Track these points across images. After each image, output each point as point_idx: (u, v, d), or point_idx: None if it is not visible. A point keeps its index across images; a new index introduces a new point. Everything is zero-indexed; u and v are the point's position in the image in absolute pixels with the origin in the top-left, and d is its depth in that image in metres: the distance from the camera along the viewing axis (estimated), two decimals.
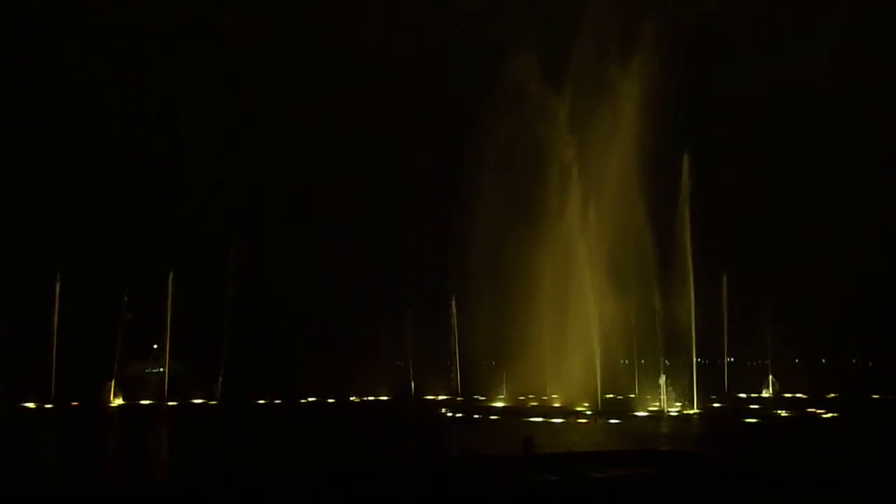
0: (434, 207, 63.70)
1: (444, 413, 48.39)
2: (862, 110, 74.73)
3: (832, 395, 59.45)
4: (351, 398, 59.79)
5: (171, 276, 56.17)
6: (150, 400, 54.82)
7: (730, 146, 69.30)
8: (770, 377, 62.36)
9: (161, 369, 58.57)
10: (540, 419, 43.05)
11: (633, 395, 54.07)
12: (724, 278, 61.56)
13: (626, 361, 57.61)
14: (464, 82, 68.55)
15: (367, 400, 60.10)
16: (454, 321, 64.22)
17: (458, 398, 60.87)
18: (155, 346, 60.83)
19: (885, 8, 73.55)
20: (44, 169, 61.85)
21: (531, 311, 55.02)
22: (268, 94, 66.63)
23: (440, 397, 62.00)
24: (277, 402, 55.33)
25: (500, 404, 53.66)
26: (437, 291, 64.65)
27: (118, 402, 53.48)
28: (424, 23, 68.80)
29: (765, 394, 61.08)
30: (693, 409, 46.19)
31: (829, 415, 44.75)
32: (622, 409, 47.52)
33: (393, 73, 69.16)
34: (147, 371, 61.74)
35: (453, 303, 64.05)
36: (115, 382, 53.89)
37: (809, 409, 47.78)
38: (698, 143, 50.96)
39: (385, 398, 61.30)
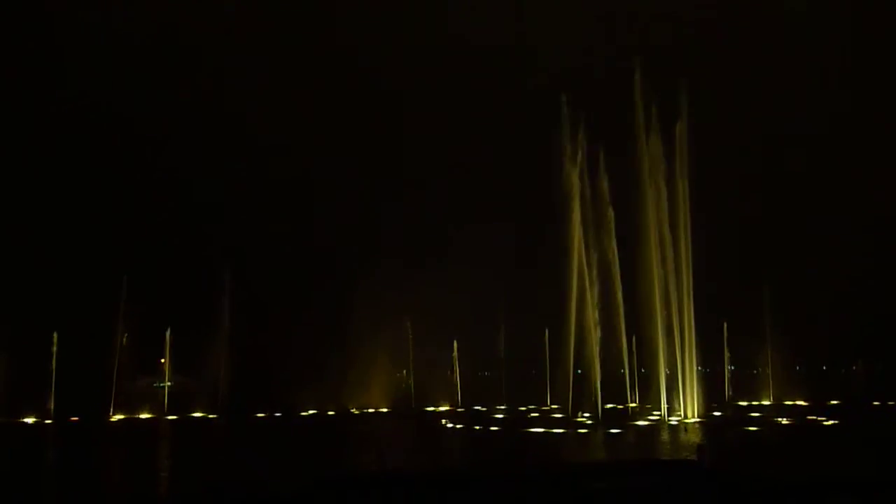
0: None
1: (445, 424, 48.25)
2: (863, 113, 74.58)
3: (834, 402, 59.31)
4: (351, 410, 59.64)
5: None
6: (149, 414, 54.75)
7: (728, 149, 69.38)
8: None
9: (170, 383, 58.67)
10: (540, 430, 42.97)
11: (633, 405, 53.93)
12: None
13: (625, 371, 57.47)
14: (464, 82, 68.68)
15: (368, 412, 59.95)
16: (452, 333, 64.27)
17: (459, 409, 60.77)
18: (162, 361, 60.84)
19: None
20: (37, 173, 61.76)
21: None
22: (266, 95, 66.71)
23: (441, 408, 61.85)
24: (277, 415, 55.21)
25: (500, 415, 53.54)
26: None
27: (118, 416, 53.39)
28: (424, 23, 68.92)
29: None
30: (694, 417, 46.16)
31: (830, 422, 44.68)
32: (622, 418, 47.44)
33: (393, 73, 69.12)
34: (155, 385, 61.75)
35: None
36: (114, 397, 53.89)
37: (810, 417, 47.70)
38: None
39: (385, 410, 61.16)
